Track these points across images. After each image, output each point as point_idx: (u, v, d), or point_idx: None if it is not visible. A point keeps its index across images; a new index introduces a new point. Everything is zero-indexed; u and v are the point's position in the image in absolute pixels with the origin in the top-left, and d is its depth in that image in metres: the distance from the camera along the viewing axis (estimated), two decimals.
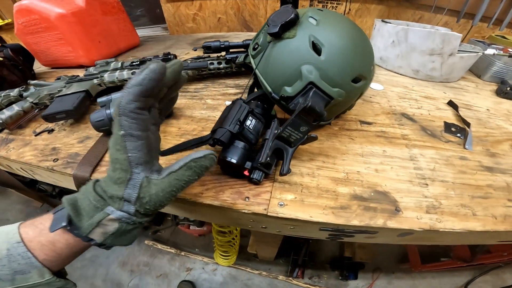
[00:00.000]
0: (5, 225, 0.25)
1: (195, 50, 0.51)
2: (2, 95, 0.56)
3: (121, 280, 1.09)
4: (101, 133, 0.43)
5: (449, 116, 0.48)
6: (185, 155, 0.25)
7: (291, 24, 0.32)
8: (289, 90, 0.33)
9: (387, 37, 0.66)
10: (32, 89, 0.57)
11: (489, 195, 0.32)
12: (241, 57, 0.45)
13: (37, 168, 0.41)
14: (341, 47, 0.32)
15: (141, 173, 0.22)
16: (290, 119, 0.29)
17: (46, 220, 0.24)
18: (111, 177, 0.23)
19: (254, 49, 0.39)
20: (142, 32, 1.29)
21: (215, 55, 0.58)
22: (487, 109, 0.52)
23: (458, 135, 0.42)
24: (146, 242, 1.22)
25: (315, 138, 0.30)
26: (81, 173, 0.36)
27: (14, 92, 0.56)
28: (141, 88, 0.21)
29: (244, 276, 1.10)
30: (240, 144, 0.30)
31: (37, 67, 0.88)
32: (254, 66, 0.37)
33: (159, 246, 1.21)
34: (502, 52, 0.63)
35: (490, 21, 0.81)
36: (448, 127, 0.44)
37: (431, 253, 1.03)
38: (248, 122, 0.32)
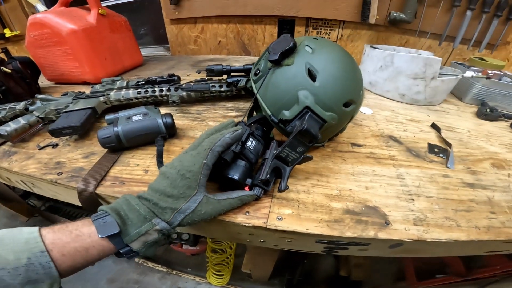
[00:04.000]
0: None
1: (199, 72, 0.55)
2: (8, 107, 0.56)
3: None
4: (106, 150, 0.45)
5: (433, 137, 0.51)
6: None
7: (289, 52, 0.35)
8: (287, 114, 0.35)
9: (376, 61, 0.69)
10: (38, 103, 0.57)
11: (471, 209, 0.35)
12: (242, 81, 0.48)
13: (40, 181, 0.42)
14: (334, 74, 0.34)
15: (202, 192, 0.29)
16: (288, 140, 0.32)
17: (81, 226, 0.26)
18: (166, 192, 0.28)
19: (255, 74, 0.42)
20: (145, 51, 1.33)
21: (216, 78, 0.61)
22: (468, 131, 0.55)
23: (441, 155, 0.46)
24: (136, 259, 1.18)
25: (310, 158, 0.33)
26: (85, 187, 0.37)
27: (20, 106, 0.56)
28: (230, 141, 0.31)
29: None
30: (241, 163, 0.33)
31: (41, 81, 0.89)
32: (255, 91, 0.39)
33: (150, 264, 1.17)
34: (480, 74, 0.64)
35: (469, 43, 0.83)
36: (431, 148, 0.47)
37: (427, 270, 1.02)
38: (248, 143, 0.34)
